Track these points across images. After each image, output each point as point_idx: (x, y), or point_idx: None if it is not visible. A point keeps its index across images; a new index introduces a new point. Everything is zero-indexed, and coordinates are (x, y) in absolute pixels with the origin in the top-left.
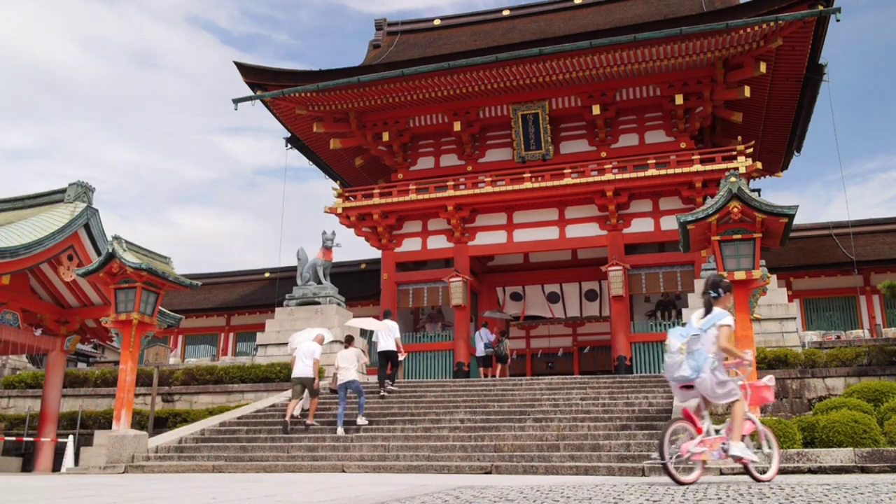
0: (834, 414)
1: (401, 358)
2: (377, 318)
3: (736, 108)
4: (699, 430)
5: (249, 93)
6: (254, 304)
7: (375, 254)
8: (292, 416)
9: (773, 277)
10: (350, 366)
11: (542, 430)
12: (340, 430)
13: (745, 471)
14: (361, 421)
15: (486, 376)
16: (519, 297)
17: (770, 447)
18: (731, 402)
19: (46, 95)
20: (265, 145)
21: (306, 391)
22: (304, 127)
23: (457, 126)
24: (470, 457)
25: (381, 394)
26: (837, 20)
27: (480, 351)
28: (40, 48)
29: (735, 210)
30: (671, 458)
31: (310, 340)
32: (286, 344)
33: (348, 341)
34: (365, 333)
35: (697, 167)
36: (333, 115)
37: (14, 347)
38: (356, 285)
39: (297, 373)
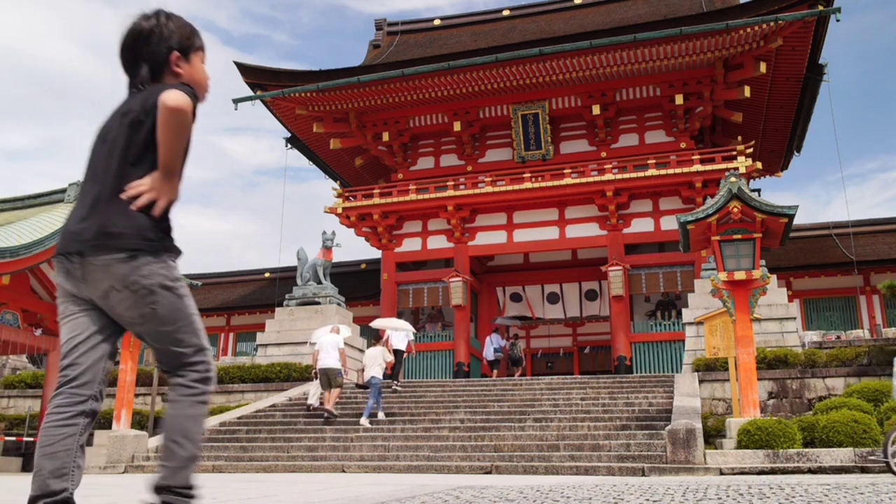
0: (834, 414)
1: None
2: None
3: (736, 108)
4: None
5: (249, 93)
6: (254, 304)
7: (375, 254)
8: (311, 408)
9: (773, 277)
10: (375, 363)
11: (542, 430)
12: (382, 415)
13: None
14: (364, 422)
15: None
16: (519, 299)
17: None
18: None
19: (47, 96)
20: (265, 145)
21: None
22: (304, 127)
23: (457, 126)
24: (470, 457)
25: (393, 387)
26: (837, 20)
27: (490, 355)
28: (41, 49)
29: (735, 210)
30: (892, 457)
31: (327, 333)
32: (286, 344)
33: (376, 339)
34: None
35: (697, 167)
36: (333, 115)
37: (14, 347)
38: (356, 285)
39: (321, 364)
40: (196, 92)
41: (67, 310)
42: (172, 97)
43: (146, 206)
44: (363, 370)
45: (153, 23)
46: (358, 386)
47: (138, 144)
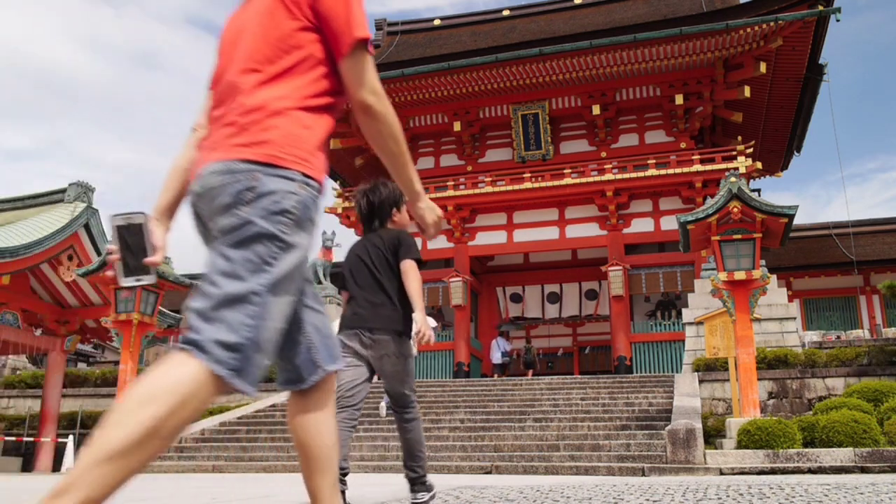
0: (834, 414)
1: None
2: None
3: (736, 108)
4: None
5: None
6: None
7: None
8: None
9: (773, 277)
10: None
11: (542, 430)
12: (383, 411)
13: None
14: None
15: None
16: (519, 299)
17: None
18: None
19: (48, 96)
20: None
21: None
22: None
23: (457, 126)
24: (470, 457)
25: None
26: (837, 20)
27: (497, 359)
28: (43, 50)
29: (735, 210)
30: None
31: None
32: None
33: None
34: None
35: (697, 167)
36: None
37: (14, 347)
38: None
39: None
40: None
41: (351, 361)
42: (409, 263)
43: (402, 308)
44: None
45: (386, 191)
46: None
47: (387, 268)
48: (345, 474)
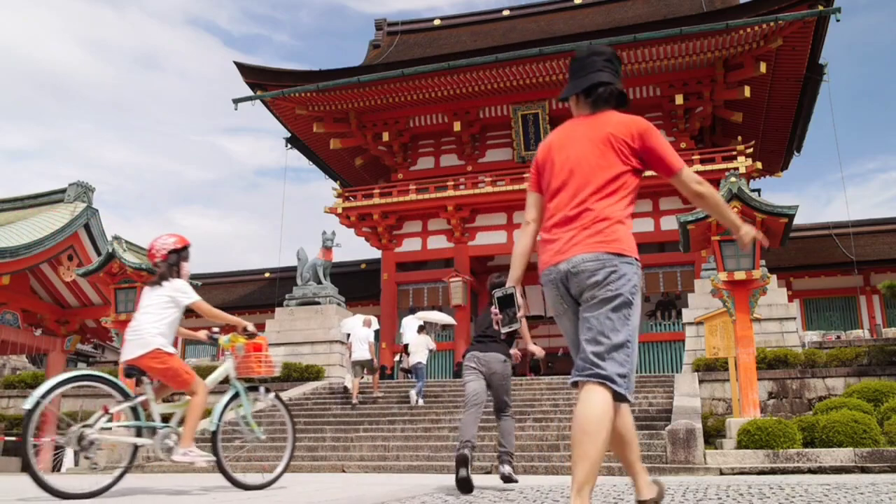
0: (834, 414)
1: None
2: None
3: (736, 108)
4: None
5: (250, 93)
6: (254, 304)
7: (375, 254)
8: (348, 390)
9: (773, 277)
10: (419, 350)
11: (542, 430)
12: (419, 401)
13: None
14: (418, 401)
15: None
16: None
17: None
18: None
19: (49, 97)
20: (266, 146)
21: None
22: (304, 127)
23: (457, 126)
24: None
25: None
26: (837, 20)
27: None
28: (44, 50)
29: (735, 210)
30: None
31: (360, 326)
32: (286, 344)
33: (420, 329)
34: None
35: (697, 167)
36: (333, 115)
37: (14, 347)
38: (356, 285)
39: (356, 356)
40: None
41: (476, 377)
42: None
43: (507, 344)
44: (408, 355)
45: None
46: (402, 370)
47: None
48: (473, 447)
